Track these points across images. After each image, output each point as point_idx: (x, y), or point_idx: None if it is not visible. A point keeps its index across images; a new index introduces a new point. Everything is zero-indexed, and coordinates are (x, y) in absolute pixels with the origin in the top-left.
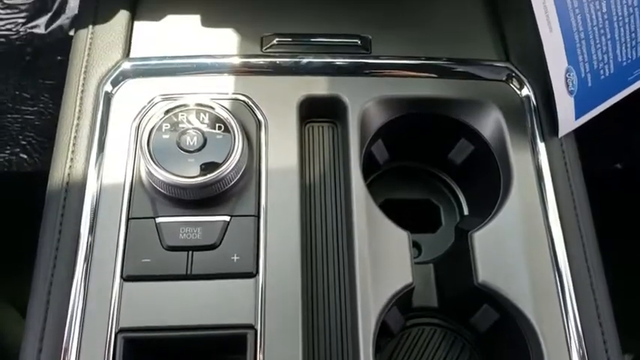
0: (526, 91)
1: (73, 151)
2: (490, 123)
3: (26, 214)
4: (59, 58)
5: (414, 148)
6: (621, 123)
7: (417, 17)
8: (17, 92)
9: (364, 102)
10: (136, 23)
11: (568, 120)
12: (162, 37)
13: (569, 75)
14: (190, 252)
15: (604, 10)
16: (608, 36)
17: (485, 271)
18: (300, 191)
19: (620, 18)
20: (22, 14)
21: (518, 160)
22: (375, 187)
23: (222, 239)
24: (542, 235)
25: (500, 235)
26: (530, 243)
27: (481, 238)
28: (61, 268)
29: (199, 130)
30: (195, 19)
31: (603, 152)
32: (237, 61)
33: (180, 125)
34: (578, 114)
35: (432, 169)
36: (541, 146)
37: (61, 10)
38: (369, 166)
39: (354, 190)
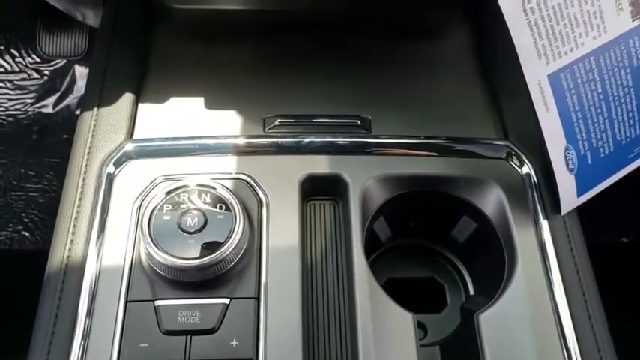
0: (526, 168)
1: (73, 233)
2: (492, 201)
3: (25, 292)
4: (65, 136)
5: (417, 226)
6: (625, 196)
7: (415, 97)
8: (22, 170)
9: (365, 180)
10: (140, 105)
11: (570, 198)
12: (166, 118)
13: (568, 153)
14: (189, 336)
15: (599, 90)
16: (605, 115)
17: (493, 354)
18: (302, 271)
19: (616, 98)
20: (32, 94)
21: (522, 238)
22: (377, 265)
23: (222, 323)
24: (548, 314)
25: (506, 315)
26: (537, 323)
27: (487, 320)
28: (56, 350)
29: (200, 210)
30: (199, 101)
31: (608, 226)
32: (239, 141)
33: (182, 206)
34: (580, 192)
35: (436, 246)
36: (544, 224)
37: (69, 90)
38: (371, 244)
39: (356, 269)
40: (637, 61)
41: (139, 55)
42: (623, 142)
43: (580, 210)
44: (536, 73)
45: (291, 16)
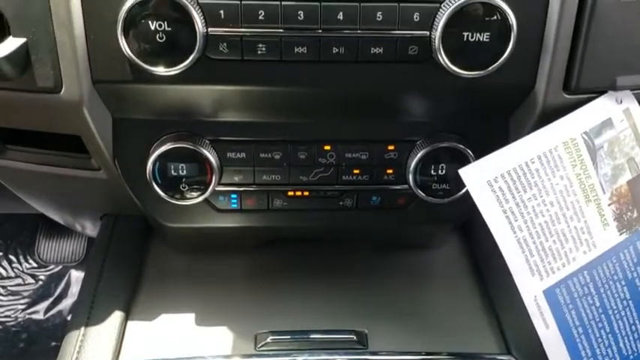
0: None
1: None
2: None
3: None
4: (53, 344)
5: None
6: None
7: (411, 308)
8: None
9: None
10: (130, 322)
11: None
12: (155, 337)
13: None
14: None
15: (597, 304)
16: (608, 329)
17: None
18: None
19: (616, 311)
20: (24, 300)
21: None
22: None
23: None
24: None
25: None
26: None
27: None
28: None
29: None
30: (190, 317)
31: None
32: None
33: None
34: None
35: None
36: None
37: (63, 294)
38: None
39: None
40: (631, 273)
41: (132, 269)
42: (631, 357)
43: None
44: (531, 290)
45: (283, 232)
